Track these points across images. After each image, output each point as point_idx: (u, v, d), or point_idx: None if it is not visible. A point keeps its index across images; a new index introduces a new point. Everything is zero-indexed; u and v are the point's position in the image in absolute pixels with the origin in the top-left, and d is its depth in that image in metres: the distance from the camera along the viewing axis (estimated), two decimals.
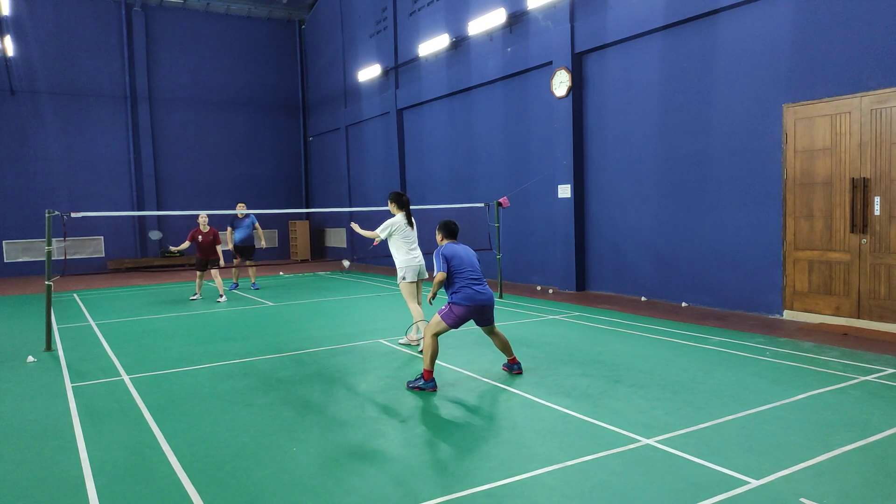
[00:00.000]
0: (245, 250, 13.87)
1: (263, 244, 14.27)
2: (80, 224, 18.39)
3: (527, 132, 13.35)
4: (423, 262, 7.78)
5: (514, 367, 6.39)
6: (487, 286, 6.12)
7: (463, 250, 6.22)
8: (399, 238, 7.65)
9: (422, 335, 7.34)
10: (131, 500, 3.73)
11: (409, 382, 5.97)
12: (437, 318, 5.99)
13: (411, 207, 15.06)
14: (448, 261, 6.07)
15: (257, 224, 14.03)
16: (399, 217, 7.68)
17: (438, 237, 6.49)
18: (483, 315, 6.10)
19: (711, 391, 5.55)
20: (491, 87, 14.31)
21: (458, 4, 15.01)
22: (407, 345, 7.77)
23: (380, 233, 7.67)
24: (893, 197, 7.74)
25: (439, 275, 6.02)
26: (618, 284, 11.62)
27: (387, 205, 7.98)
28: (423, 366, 5.99)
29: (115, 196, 20.23)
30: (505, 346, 6.34)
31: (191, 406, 5.54)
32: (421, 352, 7.24)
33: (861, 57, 7.92)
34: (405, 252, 7.65)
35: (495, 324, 6.32)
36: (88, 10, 19.79)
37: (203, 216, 12.26)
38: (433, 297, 6.23)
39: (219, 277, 12.44)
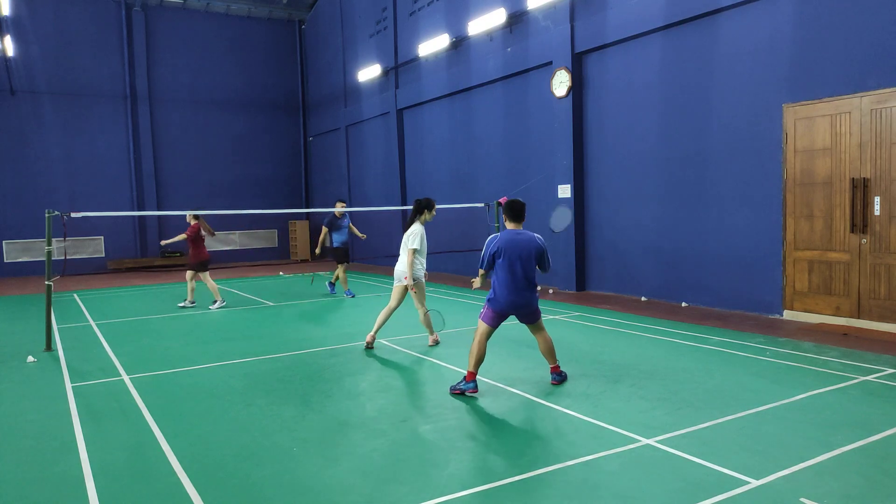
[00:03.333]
0: (345, 253, 12.42)
1: (363, 236, 13.12)
2: (80, 224, 18.41)
3: (527, 132, 13.35)
4: (400, 268, 7.83)
5: (552, 377, 5.95)
6: (526, 285, 5.61)
7: (515, 243, 5.56)
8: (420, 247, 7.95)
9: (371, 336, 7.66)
10: (131, 500, 3.73)
11: (451, 387, 5.75)
12: (480, 322, 5.78)
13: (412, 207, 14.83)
14: (494, 257, 5.60)
15: (351, 224, 12.71)
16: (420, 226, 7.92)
17: (504, 218, 5.79)
18: (520, 313, 5.73)
19: (711, 391, 5.55)
20: (491, 87, 14.31)
21: (458, 4, 15.01)
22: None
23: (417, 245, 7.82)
24: (893, 197, 7.74)
25: (480, 273, 5.77)
26: (618, 284, 11.62)
27: (385, 205, 8.07)
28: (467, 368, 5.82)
29: (115, 196, 20.22)
30: (547, 351, 5.92)
31: (191, 406, 5.54)
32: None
33: (861, 57, 7.92)
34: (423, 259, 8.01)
35: (542, 323, 5.90)
36: (88, 10, 19.79)
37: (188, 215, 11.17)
38: (480, 283, 5.93)
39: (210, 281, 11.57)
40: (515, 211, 5.68)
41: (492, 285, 5.72)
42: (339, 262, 12.44)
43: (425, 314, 7.75)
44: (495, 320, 5.72)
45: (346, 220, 12.54)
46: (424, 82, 16.47)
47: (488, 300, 5.74)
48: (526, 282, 5.62)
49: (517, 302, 5.63)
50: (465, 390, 5.60)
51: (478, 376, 6.09)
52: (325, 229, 12.28)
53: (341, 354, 7.40)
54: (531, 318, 5.81)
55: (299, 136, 23.92)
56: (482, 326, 5.76)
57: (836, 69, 8.17)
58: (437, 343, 7.82)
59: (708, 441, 4.38)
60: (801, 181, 8.62)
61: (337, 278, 12.69)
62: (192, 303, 11.60)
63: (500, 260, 5.59)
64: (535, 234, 5.73)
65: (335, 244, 12.32)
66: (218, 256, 22.06)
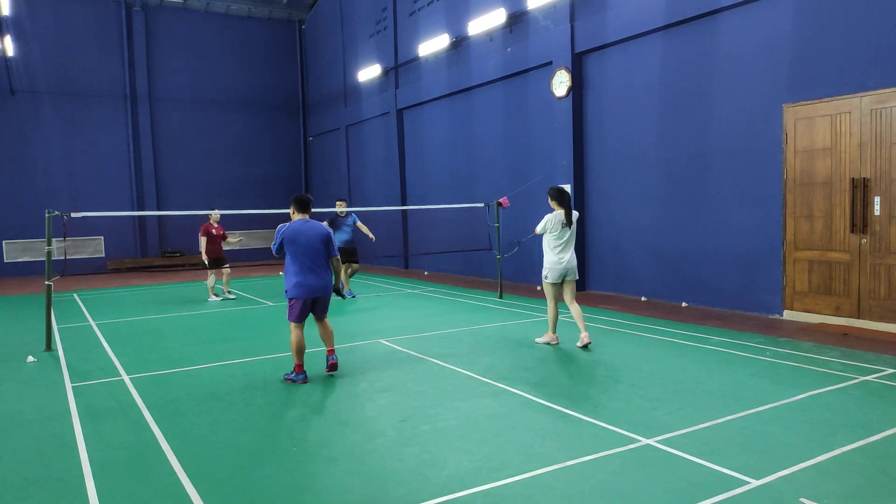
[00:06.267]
0: (350, 252, 12.27)
1: (373, 237, 12.93)
2: (80, 224, 18.39)
3: (527, 132, 13.35)
4: (573, 263, 7.37)
5: (329, 358, 6.50)
6: (326, 273, 6.20)
7: (309, 230, 6.12)
8: (550, 236, 7.31)
9: (548, 339, 7.50)
10: (131, 499, 3.73)
11: (285, 375, 6.31)
12: (290, 324, 6.22)
13: (412, 207, 14.88)
14: (284, 245, 6.09)
15: (359, 223, 12.58)
16: (556, 214, 7.28)
17: (291, 210, 6.34)
18: (317, 305, 6.27)
19: (711, 391, 5.55)
20: (491, 87, 14.31)
21: (458, 4, 15.01)
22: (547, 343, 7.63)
23: (538, 228, 7.40)
24: (893, 197, 7.74)
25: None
26: (618, 284, 11.62)
27: (385, 205, 7.97)
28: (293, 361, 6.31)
29: (115, 196, 20.22)
30: (328, 338, 6.51)
31: (191, 406, 5.54)
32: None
33: (861, 57, 7.92)
34: (552, 252, 7.30)
35: (327, 316, 6.48)
36: (88, 10, 19.79)
37: (215, 213, 12.21)
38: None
39: (227, 276, 12.67)
40: (303, 203, 6.28)
41: (289, 278, 6.12)
42: (346, 260, 12.30)
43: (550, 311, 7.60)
44: (300, 316, 6.15)
45: (350, 220, 12.40)
46: (424, 82, 16.47)
47: (288, 296, 6.14)
48: (318, 266, 6.15)
49: (314, 285, 6.10)
50: (296, 381, 6.18)
51: (478, 376, 6.18)
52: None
53: (341, 354, 7.39)
54: (325, 307, 6.35)
55: (299, 136, 23.92)
56: (292, 325, 6.19)
57: (836, 69, 8.17)
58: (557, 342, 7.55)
59: (708, 441, 4.38)
60: (801, 181, 8.62)
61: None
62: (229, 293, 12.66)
63: (295, 246, 6.06)
64: (323, 223, 6.31)
65: (339, 243, 12.17)
66: None
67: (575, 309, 7.38)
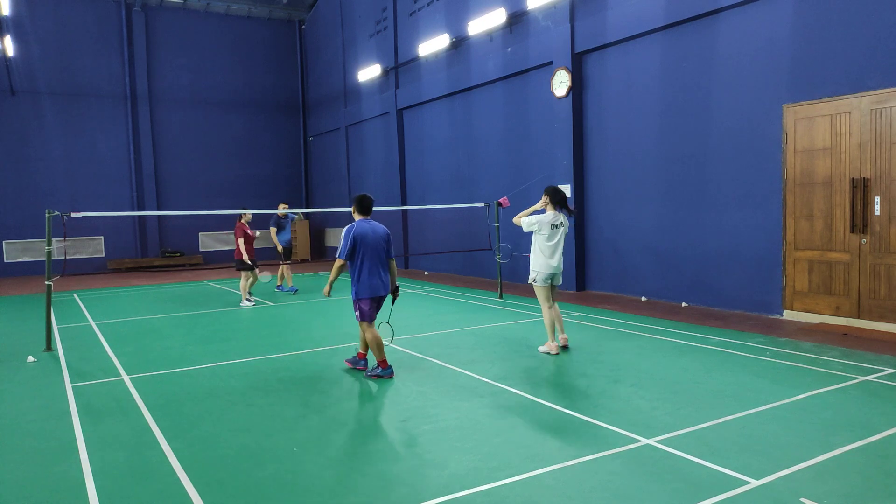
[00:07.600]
0: (290, 252, 13.54)
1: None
2: (80, 224, 18.40)
3: (527, 132, 13.35)
4: (561, 267, 7.14)
5: (359, 363, 6.62)
6: (387, 273, 6.32)
7: (373, 232, 6.16)
8: (540, 237, 7.05)
9: (548, 348, 7.15)
10: (131, 500, 3.73)
11: (367, 372, 6.39)
12: (361, 323, 6.28)
13: (412, 207, 14.89)
14: (355, 244, 6.08)
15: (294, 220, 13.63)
16: (549, 215, 7.05)
17: (352, 210, 6.37)
18: (379, 299, 6.32)
19: (711, 391, 5.55)
20: (491, 87, 14.31)
21: (458, 4, 15.01)
22: (547, 353, 7.15)
23: (524, 224, 7.11)
24: (893, 197, 7.74)
25: (338, 262, 6.14)
26: (618, 284, 11.62)
27: (384, 205, 7.95)
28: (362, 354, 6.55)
29: (115, 196, 20.23)
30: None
31: (191, 406, 5.54)
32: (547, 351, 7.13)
33: (861, 57, 7.92)
34: (543, 255, 7.03)
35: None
36: (88, 10, 19.79)
37: (248, 213, 11.90)
38: (330, 289, 6.37)
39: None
40: (366, 205, 6.31)
41: (359, 279, 6.15)
42: (284, 261, 13.41)
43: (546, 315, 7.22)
44: (371, 315, 6.22)
45: (290, 220, 13.64)
46: (424, 82, 16.47)
47: (357, 298, 6.16)
48: (383, 265, 6.25)
49: (383, 283, 6.21)
50: (382, 376, 6.23)
51: (478, 377, 6.20)
52: (273, 229, 13.30)
53: (341, 354, 7.39)
54: (380, 307, 6.39)
55: (299, 136, 23.92)
56: (364, 325, 6.24)
57: (836, 69, 8.17)
58: (556, 351, 7.14)
59: (708, 441, 4.38)
60: (801, 181, 8.62)
61: (283, 277, 13.54)
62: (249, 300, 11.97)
63: (364, 246, 6.10)
64: (382, 225, 6.36)
65: (284, 243, 13.38)
66: (218, 256, 22.09)
67: (555, 310, 7.26)
